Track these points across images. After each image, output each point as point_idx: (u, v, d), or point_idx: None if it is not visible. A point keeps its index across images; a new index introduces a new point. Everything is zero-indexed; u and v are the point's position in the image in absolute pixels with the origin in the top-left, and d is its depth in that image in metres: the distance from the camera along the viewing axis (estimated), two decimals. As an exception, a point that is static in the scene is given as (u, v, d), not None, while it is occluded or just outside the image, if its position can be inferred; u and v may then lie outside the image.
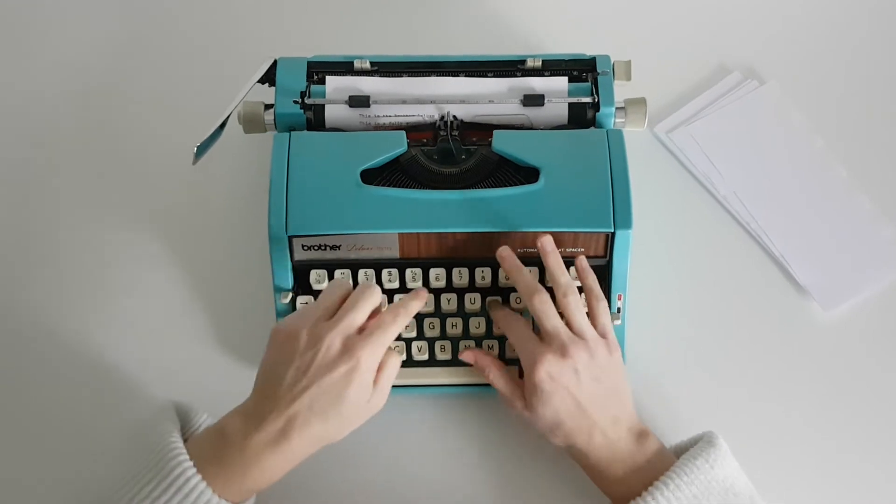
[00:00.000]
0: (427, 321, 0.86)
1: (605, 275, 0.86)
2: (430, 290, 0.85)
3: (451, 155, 0.87)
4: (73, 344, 0.92)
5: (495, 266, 0.85)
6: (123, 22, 1.09)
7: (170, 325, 0.93)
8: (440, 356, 0.86)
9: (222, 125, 0.87)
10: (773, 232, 0.96)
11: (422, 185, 0.85)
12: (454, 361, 0.86)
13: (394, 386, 0.83)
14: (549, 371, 0.76)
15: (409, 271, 0.85)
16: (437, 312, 0.86)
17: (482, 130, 0.89)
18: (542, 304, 0.78)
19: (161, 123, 1.03)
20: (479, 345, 0.86)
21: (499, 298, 0.86)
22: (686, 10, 1.10)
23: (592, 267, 0.84)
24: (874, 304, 0.94)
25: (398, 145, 0.86)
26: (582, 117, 0.91)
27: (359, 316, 0.75)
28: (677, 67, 1.05)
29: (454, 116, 0.90)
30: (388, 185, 0.85)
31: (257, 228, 0.87)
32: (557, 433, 0.78)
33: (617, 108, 0.91)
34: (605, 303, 0.81)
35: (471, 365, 0.85)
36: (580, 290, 0.82)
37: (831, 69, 1.06)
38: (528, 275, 0.80)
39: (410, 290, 0.85)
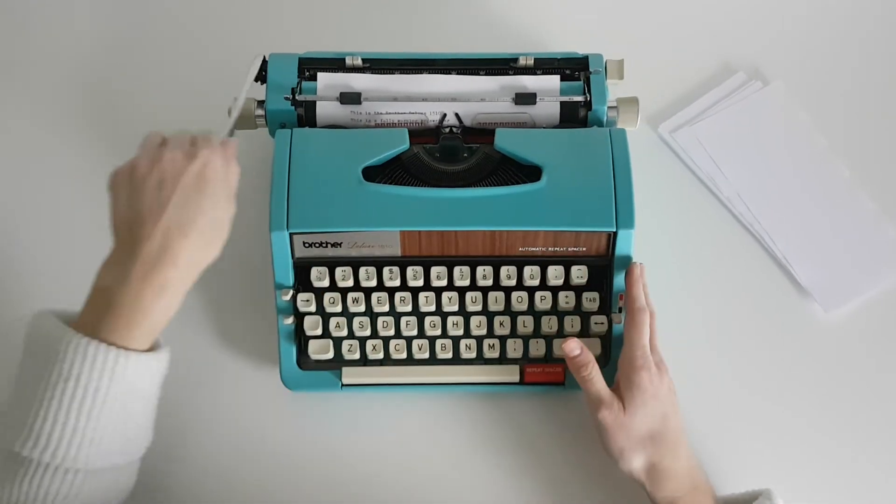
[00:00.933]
0: (428, 319, 0.86)
1: (606, 274, 0.86)
2: (432, 289, 0.86)
3: (454, 153, 0.87)
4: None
5: (497, 265, 0.85)
6: (121, 19, 1.09)
7: (171, 324, 0.92)
8: (441, 355, 0.86)
9: (234, 124, 0.87)
10: (775, 233, 0.96)
11: (424, 182, 0.85)
12: (455, 360, 0.86)
13: (390, 384, 0.85)
14: (651, 377, 0.78)
15: (410, 269, 0.85)
16: (439, 311, 0.86)
17: (484, 136, 0.88)
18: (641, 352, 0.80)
19: (161, 119, 0.99)
20: (479, 344, 0.86)
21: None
22: (691, 9, 1.09)
23: (595, 266, 0.84)
24: (875, 305, 0.94)
25: (401, 143, 0.86)
26: (574, 116, 0.90)
27: (185, 135, 0.75)
28: (681, 67, 1.04)
29: (455, 114, 0.90)
30: (390, 183, 0.85)
31: (258, 225, 0.87)
32: (649, 445, 0.77)
33: (609, 107, 0.91)
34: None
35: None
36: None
37: (836, 70, 1.05)
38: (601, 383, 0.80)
39: (412, 287, 0.86)
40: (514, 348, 0.86)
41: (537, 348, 0.86)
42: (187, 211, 0.70)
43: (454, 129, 0.89)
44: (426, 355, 0.86)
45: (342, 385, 0.85)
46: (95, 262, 0.92)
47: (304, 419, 0.87)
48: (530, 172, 0.85)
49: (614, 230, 0.83)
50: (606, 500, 0.85)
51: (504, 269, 0.85)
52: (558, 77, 0.92)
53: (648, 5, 1.10)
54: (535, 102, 0.90)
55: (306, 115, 0.90)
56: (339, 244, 0.84)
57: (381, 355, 0.86)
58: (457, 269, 0.85)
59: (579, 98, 0.90)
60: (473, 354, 0.86)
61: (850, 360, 0.91)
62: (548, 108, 0.90)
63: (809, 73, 1.05)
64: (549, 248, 0.84)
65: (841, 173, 0.99)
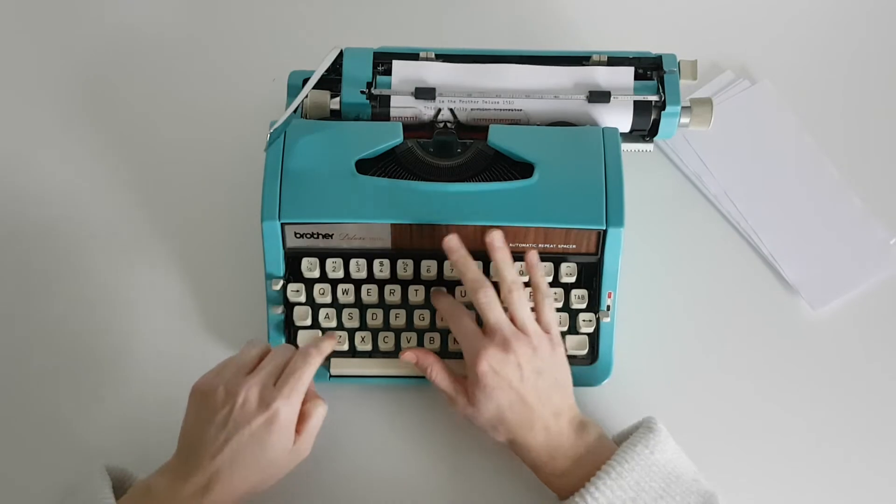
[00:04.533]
0: (417, 312, 0.86)
1: (596, 272, 0.86)
2: (422, 282, 0.86)
3: (448, 148, 0.87)
4: (61, 331, 0.92)
5: (487, 260, 0.84)
6: (129, 17, 1.09)
7: (159, 312, 0.93)
8: (429, 348, 0.86)
9: (294, 111, 0.86)
10: (762, 231, 0.97)
11: (416, 176, 0.85)
12: (442, 353, 0.86)
13: (378, 377, 0.86)
14: (491, 364, 0.76)
15: (400, 262, 0.85)
16: (428, 304, 0.86)
17: (478, 132, 0.89)
18: (487, 298, 0.78)
19: (157, 114, 1.04)
20: None
21: (443, 288, 0.86)
22: (678, 8, 1.10)
23: (584, 264, 0.84)
24: (862, 302, 0.95)
25: (394, 136, 0.86)
26: (647, 116, 0.91)
27: (274, 366, 0.76)
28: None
29: (450, 110, 0.90)
30: (383, 176, 0.85)
31: (250, 216, 0.87)
32: (500, 428, 0.79)
33: (682, 108, 0.91)
34: (550, 299, 0.82)
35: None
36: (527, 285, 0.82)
37: (824, 69, 1.06)
38: (476, 269, 0.80)
39: (402, 280, 0.86)
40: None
41: None
42: (240, 459, 0.72)
43: (448, 125, 0.89)
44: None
45: (330, 376, 0.86)
46: (84, 251, 0.94)
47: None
48: (523, 169, 0.85)
49: (604, 228, 0.83)
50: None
51: (493, 265, 0.84)
52: (632, 69, 0.92)
53: (634, 4, 1.10)
54: (608, 101, 0.90)
55: (380, 109, 0.90)
56: (331, 235, 0.84)
57: (369, 347, 0.86)
58: (447, 263, 0.85)
59: (653, 97, 0.90)
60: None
61: (838, 357, 0.93)
62: (621, 106, 0.90)
63: (797, 71, 1.06)
64: (540, 245, 0.85)
65: (829, 172, 1.00)
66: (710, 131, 0.94)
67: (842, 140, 1.02)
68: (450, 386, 0.81)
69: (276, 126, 0.84)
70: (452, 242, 0.81)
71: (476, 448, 0.87)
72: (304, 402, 0.76)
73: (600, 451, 0.78)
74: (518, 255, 0.83)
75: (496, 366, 0.77)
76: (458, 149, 0.87)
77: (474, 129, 0.89)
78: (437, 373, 0.82)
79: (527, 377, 0.77)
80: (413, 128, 0.88)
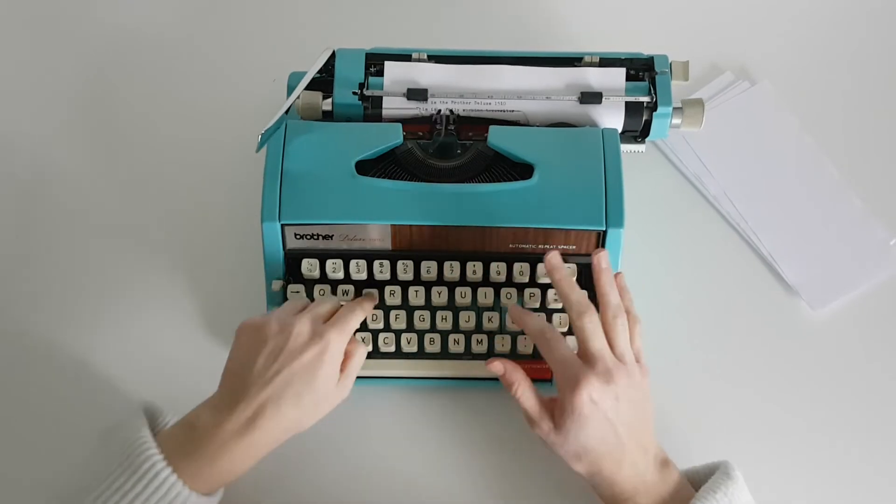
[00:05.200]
0: (417, 314, 0.86)
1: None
2: (422, 283, 0.86)
3: (447, 149, 0.87)
4: (60, 333, 0.92)
5: (487, 261, 0.85)
6: (130, 18, 1.10)
7: (159, 313, 0.93)
8: (429, 349, 0.86)
9: (286, 112, 0.86)
10: (762, 231, 0.97)
11: (416, 178, 0.85)
12: (443, 354, 0.86)
13: (379, 377, 0.85)
14: (591, 395, 0.73)
15: (400, 263, 0.85)
16: (428, 305, 0.86)
17: (478, 125, 0.89)
18: (592, 325, 0.76)
19: (157, 114, 1.04)
20: (468, 339, 0.86)
21: (513, 298, 0.85)
22: (677, 9, 1.10)
23: (585, 265, 0.84)
24: (862, 303, 0.95)
25: (394, 138, 0.86)
26: (638, 116, 0.91)
27: (323, 308, 0.78)
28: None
29: (450, 111, 0.90)
30: (383, 177, 0.85)
31: (250, 216, 0.87)
32: (584, 459, 0.76)
33: (674, 109, 0.91)
34: (641, 325, 0.80)
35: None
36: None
37: (824, 70, 1.07)
38: (580, 291, 0.78)
39: (402, 281, 0.86)
40: (502, 344, 0.86)
41: (525, 345, 0.86)
42: (289, 390, 0.72)
43: (449, 126, 0.89)
44: (414, 349, 0.86)
45: None
46: (95, 260, 0.95)
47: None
48: (523, 170, 0.85)
49: (604, 229, 0.83)
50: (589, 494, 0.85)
51: (494, 266, 0.85)
52: (624, 70, 0.92)
53: (633, 5, 1.10)
54: (600, 102, 0.90)
55: (372, 110, 0.90)
56: (331, 236, 0.84)
57: (369, 348, 0.86)
58: (447, 265, 0.85)
59: (645, 98, 0.91)
60: (462, 349, 0.86)
61: (838, 358, 0.93)
62: (613, 107, 0.90)
63: (797, 72, 1.06)
64: (540, 246, 0.85)
65: (829, 172, 1.00)
66: (702, 131, 0.93)
67: (841, 140, 1.02)
68: (536, 408, 0.77)
69: (267, 127, 0.84)
70: (555, 261, 0.80)
71: (472, 454, 0.87)
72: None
73: (681, 494, 0.76)
74: (522, 257, 0.84)
75: (595, 396, 0.73)
76: (458, 150, 0.87)
77: (474, 122, 0.90)
78: (525, 391, 0.78)
79: (622, 410, 0.74)
80: (413, 129, 0.88)
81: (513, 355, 0.86)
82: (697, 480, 0.78)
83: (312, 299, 0.85)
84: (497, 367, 0.79)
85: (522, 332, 0.85)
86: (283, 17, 1.09)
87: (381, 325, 0.86)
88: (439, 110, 0.90)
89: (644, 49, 0.94)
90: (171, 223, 0.98)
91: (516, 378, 0.78)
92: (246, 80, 1.03)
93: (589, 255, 0.85)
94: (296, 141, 0.86)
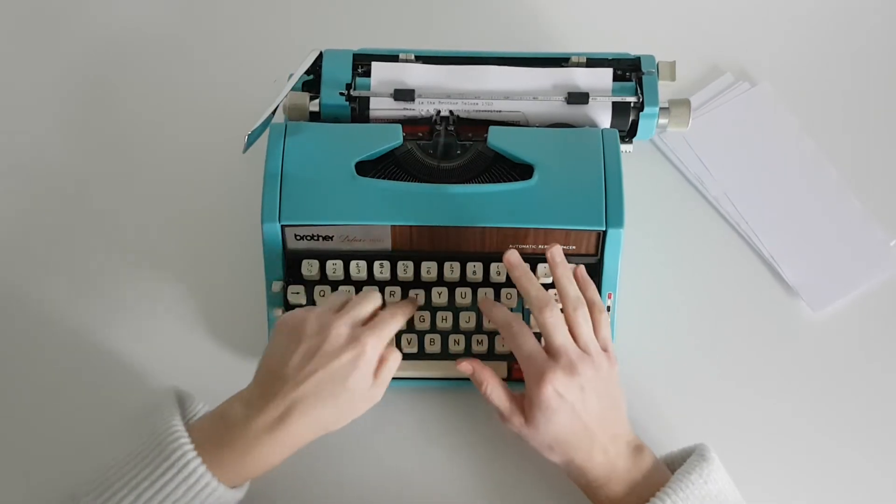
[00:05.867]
0: (417, 314, 0.86)
1: (596, 273, 0.86)
2: (422, 284, 0.86)
3: (447, 149, 0.87)
4: (63, 333, 0.92)
5: (487, 261, 0.85)
6: (129, 18, 1.09)
7: (160, 314, 0.93)
8: (429, 349, 0.86)
9: (272, 113, 0.86)
10: (763, 233, 0.97)
11: (416, 178, 0.85)
12: (443, 355, 0.86)
13: None
14: (556, 388, 0.74)
15: (400, 264, 0.85)
16: (428, 306, 0.86)
17: (478, 126, 0.89)
18: (554, 319, 0.77)
19: (157, 114, 1.04)
20: (468, 339, 0.86)
21: (490, 295, 0.86)
22: (678, 10, 1.10)
23: (585, 265, 0.84)
24: (862, 303, 0.95)
25: (394, 138, 0.86)
26: (625, 117, 0.91)
27: (364, 310, 0.77)
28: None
29: (450, 111, 0.90)
30: (383, 178, 0.85)
31: (250, 217, 0.87)
32: (556, 449, 0.77)
33: (661, 109, 0.91)
34: (607, 314, 0.81)
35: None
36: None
37: (824, 71, 1.06)
38: (539, 286, 0.79)
39: (402, 282, 0.86)
40: (503, 344, 0.86)
41: None
42: (323, 391, 0.72)
43: (449, 127, 0.89)
44: (415, 350, 0.87)
45: None
46: (95, 262, 0.95)
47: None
48: (523, 171, 0.86)
49: (604, 229, 0.83)
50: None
51: (494, 266, 0.85)
52: (611, 70, 0.92)
53: (634, 7, 1.10)
54: (587, 102, 0.90)
55: (360, 111, 0.90)
56: (331, 237, 0.84)
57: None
58: (447, 265, 0.85)
59: (632, 98, 0.91)
60: (462, 350, 0.86)
61: (838, 359, 0.93)
62: (599, 108, 0.91)
63: (797, 74, 1.06)
64: (540, 246, 0.85)
65: (829, 174, 1.00)
66: (703, 133, 0.95)
67: (841, 142, 1.02)
68: (506, 404, 0.79)
69: (253, 128, 0.83)
70: (513, 258, 0.80)
71: (471, 453, 0.87)
72: None
73: (655, 478, 0.77)
74: (523, 257, 0.82)
75: (561, 389, 0.75)
76: (458, 150, 0.87)
77: (474, 123, 0.90)
78: (493, 389, 0.79)
79: (589, 400, 0.76)
80: (413, 130, 0.89)
81: (513, 355, 0.84)
82: (674, 465, 0.79)
83: (313, 301, 0.85)
84: (465, 367, 0.81)
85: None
86: (284, 19, 1.09)
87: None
88: (439, 111, 0.90)
89: (641, 51, 0.94)
90: (170, 223, 0.97)
91: (485, 377, 0.80)
92: (246, 81, 1.03)
93: (589, 255, 0.85)
94: (295, 142, 0.86)
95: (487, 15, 1.09)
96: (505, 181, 0.85)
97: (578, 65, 0.93)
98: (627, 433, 0.79)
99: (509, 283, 0.85)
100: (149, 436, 0.73)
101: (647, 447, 0.79)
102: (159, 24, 1.08)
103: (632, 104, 0.91)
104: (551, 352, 0.77)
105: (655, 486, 0.76)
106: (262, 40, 1.08)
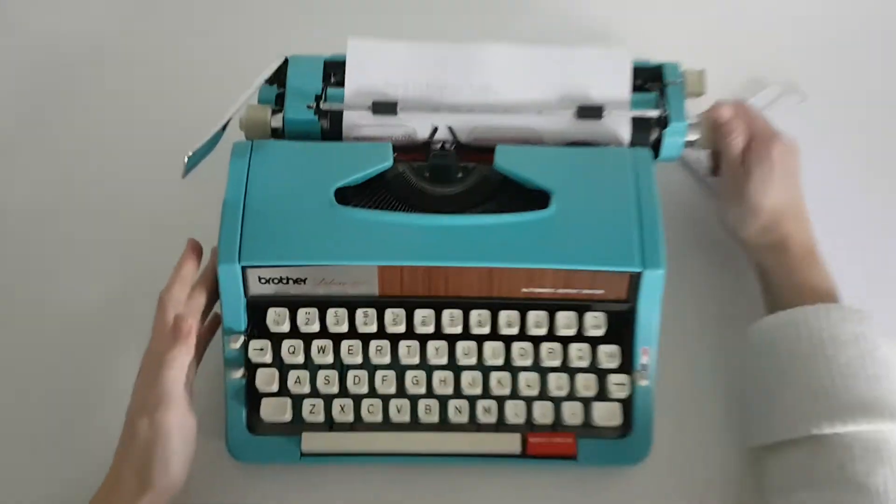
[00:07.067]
0: (410, 374, 0.77)
1: (628, 323, 0.77)
2: (416, 337, 0.78)
3: (446, 172, 0.81)
4: (30, 352, 0.87)
5: (495, 308, 0.77)
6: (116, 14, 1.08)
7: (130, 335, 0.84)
8: (425, 418, 0.77)
9: (221, 130, 0.79)
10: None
11: (409, 207, 0.79)
12: (442, 425, 0.78)
13: (362, 454, 0.77)
14: (782, 149, 0.79)
15: (389, 312, 0.77)
16: (423, 364, 0.78)
17: (482, 154, 0.81)
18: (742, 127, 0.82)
19: (132, 126, 1.00)
20: (472, 406, 0.77)
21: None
22: (718, 23, 1.07)
23: (615, 313, 0.77)
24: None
25: (383, 159, 0.80)
26: (645, 134, 0.83)
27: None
28: (710, 82, 0.95)
29: (449, 128, 0.82)
30: (369, 207, 0.79)
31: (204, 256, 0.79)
32: (763, 212, 0.79)
33: (689, 125, 0.84)
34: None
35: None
36: None
37: (870, 85, 1.02)
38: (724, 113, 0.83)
39: (391, 334, 0.78)
40: (515, 412, 0.77)
41: (543, 413, 0.77)
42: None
43: (446, 145, 0.82)
44: (406, 418, 0.78)
45: (301, 455, 0.77)
46: (92, 260, 0.92)
47: (255, 497, 0.78)
48: (537, 198, 0.79)
49: (639, 270, 0.75)
50: None
51: (503, 315, 0.78)
52: (629, 77, 0.84)
53: (676, 17, 1.07)
54: (600, 117, 0.82)
55: (331, 127, 0.83)
56: (304, 280, 0.76)
57: (350, 418, 0.78)
58: (446, 314, 0.78)
59: (654, 113, 0.83)
60: (465, 419, 0.78)
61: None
62: (615, 124, 0.83)
63: (845, 86, 1.02)
64: (559, 290, 0.77)
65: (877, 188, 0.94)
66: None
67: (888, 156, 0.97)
68: (737, 155, 0.81)
69: (195, 149, 0.76)
70: (726, 112, 0.82)
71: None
72: None
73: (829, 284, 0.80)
74: (538, 304, 0.76)
75: (786, 151, 0.80)
76: (459, 173, 0.81)
77: (479, 151, 0.82)
78: (737, 139, 0.81)
79: (798, 177, 0.82)
80: (404, 149, 0.82)
81: (528, 425, 0.78)
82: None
83: (280, 358, 0.77)
84: (725, 111, 0.82)
85: (540, 398, 0.77)
86: (278, 23, 1.06)
87: (364, 390, 0.77)
88: (436, 128, 0.82)
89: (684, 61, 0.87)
90: (144, 241, 0.91)
91: (736, 128, 0.81)
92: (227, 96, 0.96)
93: (620, 301, 0.77)
94: (262, 163, 0.79)
95: (490, 17, 1.06)
96: (515, 211, 0.78)
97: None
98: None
99: (522, 335, 0.78)
100: None
101: None
102: (136, 30, 1.06)
103: (654, 120, 0.83)
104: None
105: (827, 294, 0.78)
106: (240, 47, 1.03)
